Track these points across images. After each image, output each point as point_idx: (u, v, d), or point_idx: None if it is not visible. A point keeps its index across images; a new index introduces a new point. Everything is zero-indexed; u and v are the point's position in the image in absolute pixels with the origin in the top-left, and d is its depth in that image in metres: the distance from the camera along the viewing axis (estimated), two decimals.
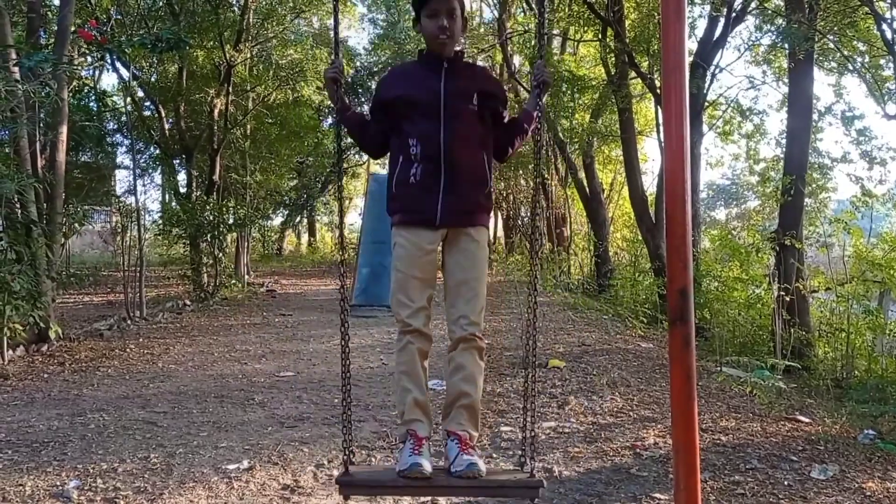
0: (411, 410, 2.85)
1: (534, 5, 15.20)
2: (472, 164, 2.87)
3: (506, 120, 3.02)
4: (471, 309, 2.89)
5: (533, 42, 15.77)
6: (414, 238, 2.86)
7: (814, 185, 13.14)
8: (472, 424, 2.89)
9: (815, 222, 10.61)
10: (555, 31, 16.77)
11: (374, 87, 25.97)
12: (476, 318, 2.90)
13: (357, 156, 25.58)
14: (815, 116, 11.83)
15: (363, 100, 23.57)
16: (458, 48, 2.95)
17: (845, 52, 11.64)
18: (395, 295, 2.90)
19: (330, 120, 25.46)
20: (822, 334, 9.02)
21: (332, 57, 3.06)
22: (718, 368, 6.97)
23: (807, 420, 5.24)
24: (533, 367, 2.97)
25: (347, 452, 2.81)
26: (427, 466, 2.67)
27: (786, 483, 3.98)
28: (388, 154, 3.00)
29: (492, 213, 3.11)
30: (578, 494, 3.88)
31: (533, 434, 2.86)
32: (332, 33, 22.15)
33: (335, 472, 4.22)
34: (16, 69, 7.65)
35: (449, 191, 2.81)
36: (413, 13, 2.96)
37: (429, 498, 3.81)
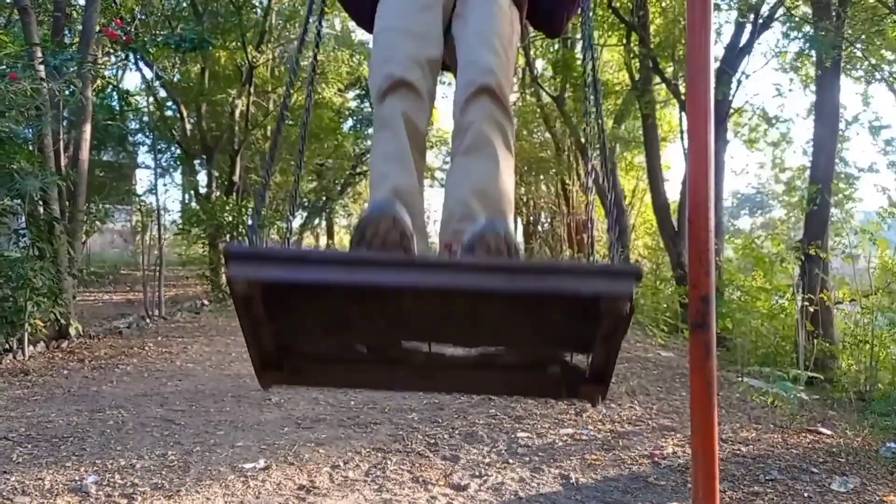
0: (388, 158, 1.93)
1: None
2: None
3: None
4: (487, 54, 2.01)
5: (556, 45, 15.74)
6: None
7: (840, 195, 12.97)
8: (500, 202, 1.93)
9: (841, 233, 10.47)
10: (577, 36, 16.71)
11: None
12: (496, 67, 1.99)
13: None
14: (841, 125, 11.69)
15: None
16: None
17: (873, 61, 11.51)
18: (374, 59, 2.11)
19: (350, 122, 25.57)
20: (845, 346, 8.90)
21: None
22: (740, 378, 6.89)
23: (828, 432, 5.16)
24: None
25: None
26: (406, 219, 1.50)
27: (805, 495, 3.92)
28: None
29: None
30: (595, 502, 3.84)
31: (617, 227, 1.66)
32: (358, 34, 22.20)
33: (350, 474, 4.22)
34: (41, 68, 7.73)
35: None
36: None
37: (445, 502, 3.79)
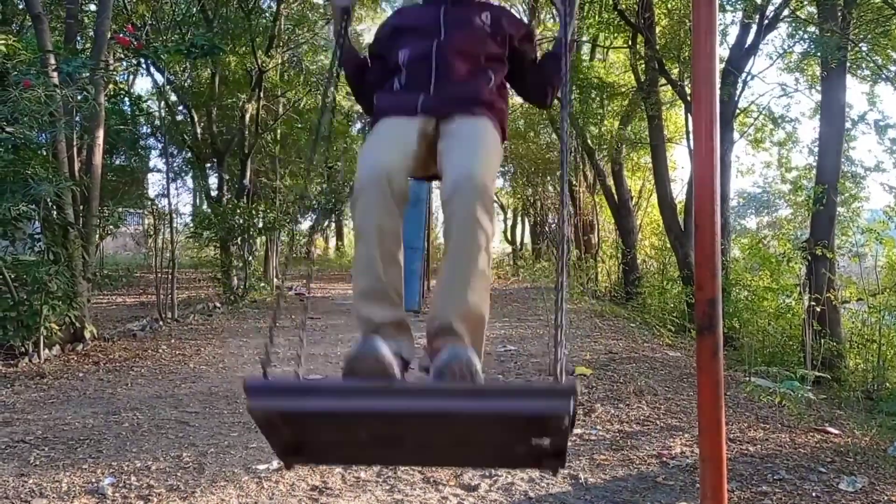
0: (367, 300, 2.19)
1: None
2: (469, 67, 2.44)
3: (536, 58, 2.67)
4: (468, 164, 2.17)
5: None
6: (387, 123, 2.39)
7: (846, 195, 12.98)
8: (467, 327, 2.07)
9: (848, 232, 10.50)
10: (584, 38, 16.74)
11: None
12: (474, 172, 2.12)
13: None
14: (847, 125, 11.70)
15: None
16: None
17: (879, 61, 11.51)
18: (359, 162, 2.26)
19: (359, 125, 25.64)
20: (853, 345, 8.92)
21: None
22: (747, 378, 6.93)
23: (836, 432, 5.20)
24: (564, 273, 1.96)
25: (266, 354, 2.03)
26: (386, 353, 1.81)
27: (814, 494, 3.96)
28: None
29: (503, 116, 2.49)
30: (604, 502, 3.89)
31: (562, 340, 1.88)
32: (366, 38, 22.32)
33: (362, 474, 4.28)
34: (55, 74, 7.82)
35: (437, 84, 2.40)
36: None
37: (455, 502, 3.84)
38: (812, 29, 10.70)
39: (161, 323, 10.47)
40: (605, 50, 18.18)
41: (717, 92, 2.46)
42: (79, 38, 11.01)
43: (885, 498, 3.94)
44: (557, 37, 2.56)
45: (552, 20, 19.75)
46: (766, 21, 11.20)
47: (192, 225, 15.42)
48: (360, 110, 24.38)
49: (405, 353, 2.11)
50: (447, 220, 2.13)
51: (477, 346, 2.07)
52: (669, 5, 13.68)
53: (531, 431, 1.81)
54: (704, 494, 2.58)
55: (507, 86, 2.64)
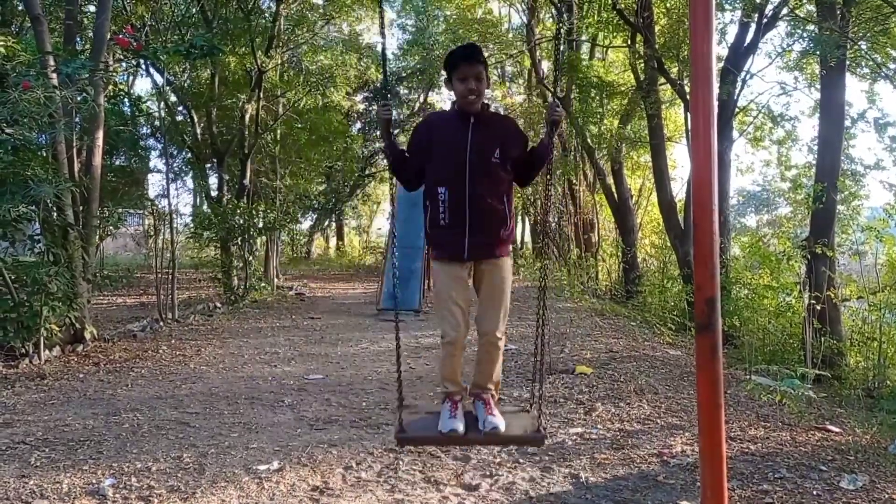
0: (450, 382, 3.43)
1: (564, 13, 15.18)
2: (493, 208, 3.31)
3: (528, 150, 3.47)
4: (494, 324, 3.40)
5: (562, 47, 15.76)
6: (448, 269, 3.39)
7: (846, 193, 12.97)
8: (494, 390, 3.47)
9: (848, 230, 10.49)
10: (583, 38, 16.75)
11: (401, 91, 26.10)
12: (497, 329, 3.40)
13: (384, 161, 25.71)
14: (847, 123, 11.68)
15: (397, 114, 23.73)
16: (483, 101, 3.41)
17: (878, 59, 11.50)
18: (438, 312, 3.50)
19: (358, 125, 25.66)
20: (853, 343, 8.92)
21: (382, 75, 3.76)
22: (748, 377, 6.93)
23: (837, 430, 5.19)
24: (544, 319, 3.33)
25: (401, 414, 3.31)
26: (461, 428, 3.25)
27: (814, 493, 3.96)
28: (424, 183, 3.45)
29: (514, 236, 3.63)
30: (605, 501, 3.90)
31: (541, 393, 3.30)
32: (366, 38, 22.26)
33: (363, 474, 4.29)
34: (54, 75, 7.82)
35: (473, 232, 3.30)
36: (445, 74, 3.44)
37: (456, 502, 3.85)
38: (811, 27, 10.69)
39: (161, 323, 10.47)
40: (605, 49, 18.17)
41: (715, 91, 2.46)
42: (78, 40, 11.01)
43: (887, 496, 3.94)
44: (542, 141, 3.36)
45: (550, 19, 19.77)
46: (766, 20, 11.20)
47: (192, 225, 15.41)
48: (359, 111, 24.42)
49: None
50: (480, 340, 3.41)
51: (497, 380, 3.50)
52: (668, 4, 13.68)
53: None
54: (705, 493, 2.58)
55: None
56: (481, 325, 3.41)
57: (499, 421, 3.28)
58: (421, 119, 3.83)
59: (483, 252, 3.36)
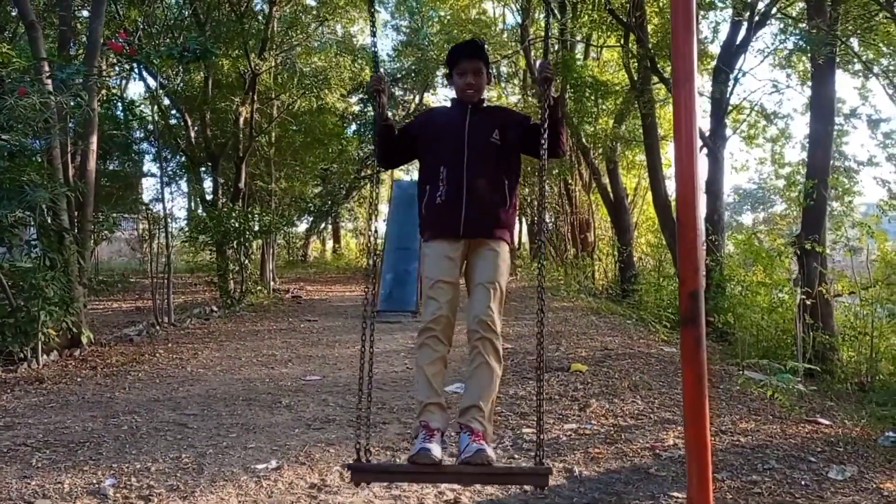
0: (425, 408, 3.08)
1: (555, 10, 15.24)
2: (491, 188, 3.24)
3: (533, 123, 3.38)
4: (484, 307, 3.12)
5: (556, 46, 15.84)
6: (438, 248, 3.25)
7: (840, 189, 13.06)
8: (485, 420, 3.05)
9: (841, 227, 10.57)
10: (577, 38, 16.81)
11: (396, 92, 26.15)
12: (488, 313, 3.10)
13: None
14: (840, 120, 11.77)
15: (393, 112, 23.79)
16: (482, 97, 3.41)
17: (870, 55, 11.57)
18: (423, 299, 3.27)
19: (354, 127, 25.71)
20: (846, 338, 8.99)
21: (374, 71, 3.53)
22: (740, 371, 6.99)
23: (827, 422, 5.26)
24: (543, 371, 3.01)
25: (361, 444, 2.96)
26: (436, 452, 2.84)
27: (803, 483, 4.02)
28: (418, 176, 3.45)
29: (514, 229, 3.42)
30: (598, 493, 3.95)
31: (542, 427, 2.86)
32: (360, 39, 22.31)
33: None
34: (49, 81, 7.86)
35: (470, 208, 3.20)
36: (447, 70, 3.49)
37: (452, 497, 3.90)
38: (801, 25, 10.76)
39: (158, 327, 10.51)
40: (599, 48, 18.24)
41: (696, 90, 2.52)
42: (72, 44, 11.04)
43: (874, 486, 4.00)
44: (541, 105, 3.25)
45: (544, 19, 19.81)
46: (757, 19, 11.28)
47: (187, 229, 15.44)
48: (354, 112, 24.40)
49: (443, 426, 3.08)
50: (469, 338, 3.10)
51: (490, 413, 3.10)
52: (660, 4, 13.75)
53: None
54: (691, 482, 2.65)
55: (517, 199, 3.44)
56: (472, 309, 3.15)
57: (487, 447, 2.89)
58: (425, 111, 3.85)
59: (480, 229, 3.23)
